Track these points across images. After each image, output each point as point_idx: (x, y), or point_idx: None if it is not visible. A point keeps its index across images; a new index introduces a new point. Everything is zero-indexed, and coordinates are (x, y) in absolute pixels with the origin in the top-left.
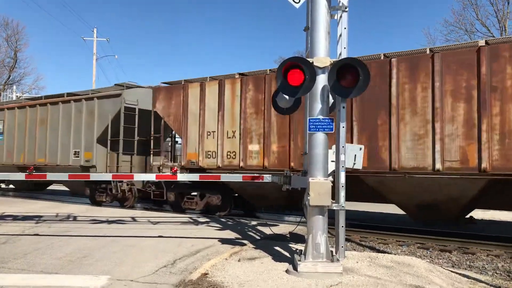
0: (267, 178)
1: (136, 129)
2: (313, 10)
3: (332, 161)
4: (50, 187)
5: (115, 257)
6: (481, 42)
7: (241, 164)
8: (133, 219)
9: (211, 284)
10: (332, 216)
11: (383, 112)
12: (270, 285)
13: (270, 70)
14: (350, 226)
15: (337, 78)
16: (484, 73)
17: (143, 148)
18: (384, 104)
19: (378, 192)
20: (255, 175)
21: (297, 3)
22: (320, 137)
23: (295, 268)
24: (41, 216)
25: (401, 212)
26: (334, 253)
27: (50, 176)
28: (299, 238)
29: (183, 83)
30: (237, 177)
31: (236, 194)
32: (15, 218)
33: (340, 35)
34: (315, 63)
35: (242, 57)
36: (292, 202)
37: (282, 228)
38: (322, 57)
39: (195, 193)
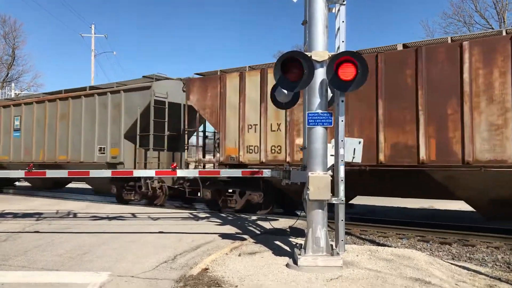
0: (267, 173)
1: (166, 123)
2: (311, 3)
3: (331, 155)
4: (70, 185)
5: (115, 253)
6: None
7: (288, 159)
8: (134, 215)
9: (212, 279)
10: (332, 210)
11: (453, 100)
12: (271, 279)
13: None
14: (350, 220)
15: (335, 72)
16: None
17: (170, 144)
18: (455, 91)
19: (444, 188)
20: (255, 170)
21: None
22: (319, 131)
23: (295, 262)
24: (41, 213)
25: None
26: (334, 247)
27: (50, 174)
28: (299, 232)
29: (219, 73)
30: (236, 172)
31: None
32: (15, 215)
33: (338, 29)
34: (313, 57)
35: (241, 52)
36: (346, 197)
37: (282, 223)
38: (320, 51)
39: (233, 190)
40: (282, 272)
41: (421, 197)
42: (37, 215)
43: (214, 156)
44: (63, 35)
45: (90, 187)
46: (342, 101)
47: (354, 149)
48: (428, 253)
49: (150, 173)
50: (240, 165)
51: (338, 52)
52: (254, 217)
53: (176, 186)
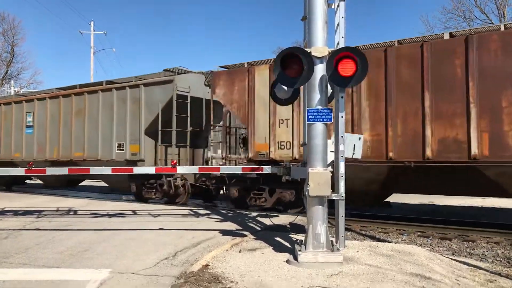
0: (267, 169)
1: (188, 118)
2: None
3: (331, 151)
4: (84, 183)
5: (116, 250)
6: None
7: None
8: (134, 212)
9: (212, 275)
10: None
11: (509, 92)
12: (271, 275)
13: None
14: (351, 216)
15: (335, 68)
16: None
17: (191, 140)
18: (511, 82)
19: (496, 185)
20: (255, 166)
21: None
22: (319, 127)
23: (295, 258)
24: (41, 211)
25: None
26: (334, 243)
27: (50, 171)
28: (300, 229)
29: (246, 66)
30: (236, 169)
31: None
32: (16, 213)
33: (338, 24)
34: (313, 53)
35: (241, 47)
36: (384, 194)
37: (283, 219)
38: (320, 47)
39: (263, 188)
40: (283, 268)
41: (469, 194)
42: (38, 213)
43: (235, 152)
44: (62, 32)
45: (106, 185)
46: (342, 97)
47: (354, 145)
48: (428, 248)
49: (150, 170)
50: (271, 162)
51: (338, 48)
52: (254, 214)
53: (198, 184)
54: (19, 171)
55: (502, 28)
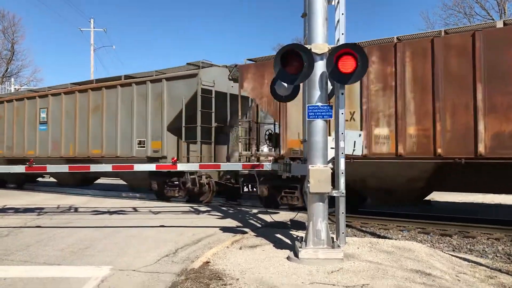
0: (267, 166)
1: (213, 114)
2: None
3: (331, 148)
4: (99, 181)
5: (117, 248)
6: None
7: (365, 151)
8: (135, 209)
9: (213, 272)
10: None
11: None
12: (272, 272)
13: (398, 38)
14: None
15: (335, 65)
16: None
17: (210, 136)
18: None
19: None
20: (255, 163)
21: None
22: (319, 124)
23: (296, 255)
24: (42, 208)
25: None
26: (335, 240)
27: (50, 168)
28: (300, 225)
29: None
30: (237, 166)
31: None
32: (16, 210)
33: (338, 21)
34: (313, 50)
35: (241, 44)
36: (425, 193)
37: (283, 216)
38: (320, 44)
39: (295, 186)
40: (283, 265)
41: None
42: (39, 210)
43: (258, 149)
44: (62, 30)
45: (124, 183)
46: (342, 93)
47: (355, 141)
48: (429, 245)
49: (151, 167)
50: (305, 159)
51: (338, 44)
52: (255, 210)
53: (223, 182)
54: (20, 169)
55: (501, 24)
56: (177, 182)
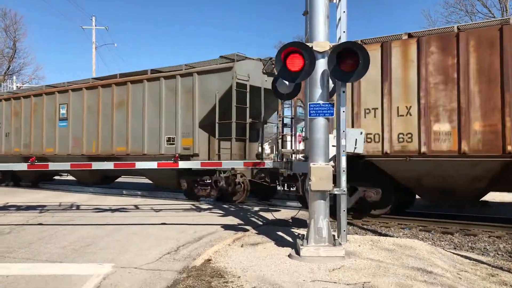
0: (269, 164)
1: (247, 109)
2: None
3: (333, 145)
4: (121, 180)
5: (118, 245)
6: None
7: (423, 149)
8: (136, 207)
9: (215, 270)
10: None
11: None
12: (273, 269)
13: (458, 27)
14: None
15: (337, 63)
16: None
17: (242, 132)
18: None
19: None
20: (257, 161)
21: None
22: (320, 122)
23: (297, 253)
24: (44, 206)
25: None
26: (336, 237)
27: (52, 166)
28: (301, 223)
29: None
30: (238, 163)
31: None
32: (18, 208)
33: (339, 19)
34: (314, 48)
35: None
36: (483, 193)
37: (284, 213)
38: (321, 42)
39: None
40: (285, 263)
41: None
42: (41, 208)
43: (291, 146)
44: (64, 28)
45: (150, 181)
46: (344, 91)
47: (356, 139)
48: (430, 242)
49: (152, 165)
50: (355, 157)
51: (340, 42)
52: (256, 208)
53: (259, 181)
54: (22, 166)
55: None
56: (209, 181)
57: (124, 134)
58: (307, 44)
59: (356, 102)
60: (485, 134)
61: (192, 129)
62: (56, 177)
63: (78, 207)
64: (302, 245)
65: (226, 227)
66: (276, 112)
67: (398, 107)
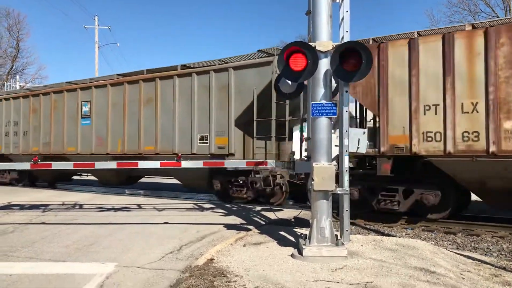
0: (271, 163)
1: (287, 106)
2: None
3: (335, 145)
4: (144, 180)
5: (121, 244)
6: None
7: (492, 148)
8: (139, 206)
9: (217, 269)
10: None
11: None
12: (276, 269)
13: None
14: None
15: (339, 62)
16: None
17: (277, 131)
18: None
19: None
20: (259, 160)
21: None
22: (323, 122)
23: (300, 253)
24: (47, 205)
25: None
26: (338, 237)
27: (55, 165)
28: (304, 223)
29: (371, 42)
30: (241, 163)
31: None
32: (22, 207)
33: (342, 19)
34: (317, 47)
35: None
36: None
37: (287, 213)
38: (324, 41)
39: (394, 188)
40: (287, 262)
41: None
42: (44, 207)
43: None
44: (67, 27)
45: (178, 182)
46: (346, 91)
47: (359, 139)
48: (433, 242)
49: (154, 164)
50: (412, 157)
51: (342, 42)
52: (259, 208)
53: (299, 182)
54: (25, 165)
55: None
56: (244, 182)
57: (152, 132)
58: (310, 43)
59: (414, 97)
60: None
61: (227, 127)
62: (76, 177)
63: (81, 206)
64: (304, 245)
65: (229, 226)
66: None
67: (462, 104)
